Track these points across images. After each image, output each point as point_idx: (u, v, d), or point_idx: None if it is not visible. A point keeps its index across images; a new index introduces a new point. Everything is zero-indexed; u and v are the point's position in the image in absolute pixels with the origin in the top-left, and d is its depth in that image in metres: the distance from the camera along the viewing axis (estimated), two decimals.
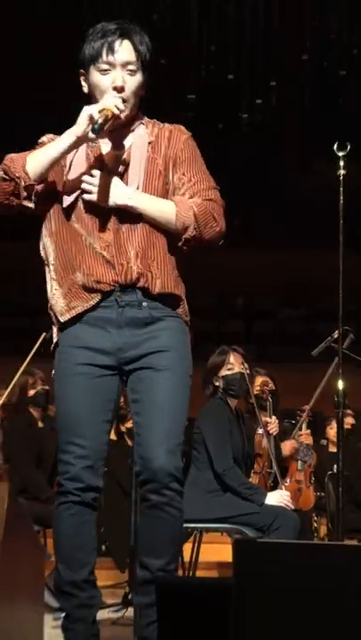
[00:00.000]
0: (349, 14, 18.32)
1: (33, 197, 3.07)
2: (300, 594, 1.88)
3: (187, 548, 5.52)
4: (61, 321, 3.11)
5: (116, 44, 3.06)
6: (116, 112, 3.00)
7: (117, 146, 3.16)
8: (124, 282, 3.07)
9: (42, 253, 3.23)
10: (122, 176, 3.13)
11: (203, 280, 11.26)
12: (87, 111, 3.01)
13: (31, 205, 3.09)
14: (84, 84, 3.19)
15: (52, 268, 3.16)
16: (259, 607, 1.86)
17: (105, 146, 3.17)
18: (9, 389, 6.35)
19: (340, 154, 4.61)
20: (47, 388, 6.48)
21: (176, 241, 3.13)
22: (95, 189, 3.07)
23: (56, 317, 3.15)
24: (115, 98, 3.04)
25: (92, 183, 3.07)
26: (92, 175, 3.09)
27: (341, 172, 4.61)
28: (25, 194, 3.05)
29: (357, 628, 1.87)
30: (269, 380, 6.32)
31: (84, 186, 3.08)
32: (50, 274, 3.18)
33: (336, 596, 1.89)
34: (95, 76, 3.11)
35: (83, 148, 3.14)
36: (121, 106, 3.03)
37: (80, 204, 3.12)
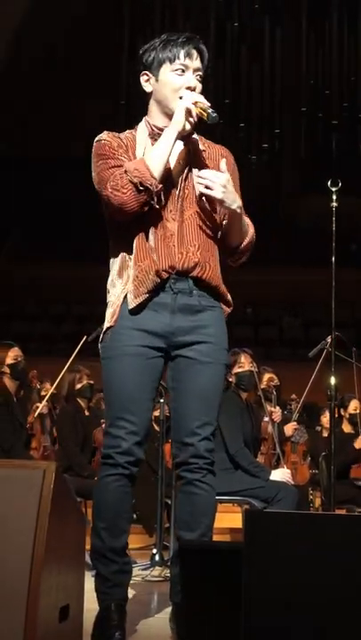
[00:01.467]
0: (339, 72, 18.29)
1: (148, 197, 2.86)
2: (301, 557, 1.85)
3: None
4: (131, 307, 2.85)
5: (193, 50, 2.93)
6: (207, 104, 2.85)
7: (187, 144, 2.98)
8: (182, 269, 2.86)
9: (110, 244, 3.00)
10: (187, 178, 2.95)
11: None
12: (183, 105, 2.84)
13: (157, 205, 2.87)
14: (146, 84, 2.98)
15: (123, 255, 2.91)
16: (265, 568, 1.83)
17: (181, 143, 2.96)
18: (56, 383, 6.37)
19: (333, 189, 4.57)
20: (92, 382, 6.51)
21: (224, 246, 2.99)
22: (216, 186, 2.83)
23: (117, 305, 2.89)
24: (197, 95, 2.88)
25: (214, 181, 2.83)
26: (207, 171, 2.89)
27: (334, 204, 4.56)
28: (156, 198, 2.85)
29: (348, 584, 1.84)
30: (274, 376, 6.31)
31: (205, 181, 2.84)
32: (119, 261, 2.93)
33: (332, 560, 1.86)
34: (169, 75, 2.92)
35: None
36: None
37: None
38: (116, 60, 17.78)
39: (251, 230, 3.01)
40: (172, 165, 2.93)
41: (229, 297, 2.99)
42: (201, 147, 3.00)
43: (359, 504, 6.79)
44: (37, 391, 6.89)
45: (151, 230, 2.88)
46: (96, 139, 2.99)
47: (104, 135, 2.98)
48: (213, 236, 2.96)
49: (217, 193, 2.83)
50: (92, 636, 2.79)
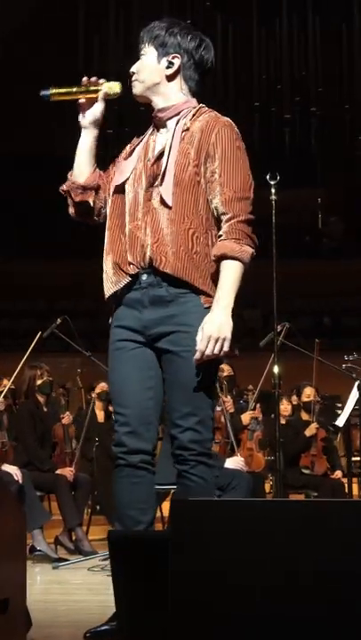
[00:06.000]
0: (290, 68, 18.36)
1: (83, 191, 2.93)
2: (226, 543, 1.86)
3: (165, 506, 5.51)
4: (106, 299, 2.88)
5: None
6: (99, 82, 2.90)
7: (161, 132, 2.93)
8: (138, 263, 2.81)
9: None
10: (156, 166, 2.85)
11: None
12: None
13: (90, 200, 2.92)
14: (175, 62, 2.93)
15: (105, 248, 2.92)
16: (192, 555, 1.84)
17: (157, 134, 2.94)
18: (12, 379, 6.35)
19: (272, 182, 4.56)
20: (51, 379, 6.49)
21: (207, 233, 2.81)
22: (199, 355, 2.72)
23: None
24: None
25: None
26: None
27: (273, 197, 4.56)
28: (77, 192, 2.92)
29: (273, 569, 1.85)
30: (225, 367, 6.31)
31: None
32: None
33: (257, 545, 1.88)
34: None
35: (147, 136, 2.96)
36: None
37: (128, 191, 2.88)
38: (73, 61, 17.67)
39: (244, 253, 2.79)
40: (133, 159, 2.91)
41: (205, 287, 2.79)
42: (186, 124, 2.87)
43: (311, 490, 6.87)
44: None
45: (117, 224, 2.88)
46: None
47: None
48: (184, 224, 2.79)
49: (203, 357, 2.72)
50: None
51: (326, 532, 1.94)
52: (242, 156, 2.85)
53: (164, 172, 2.82)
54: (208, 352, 2.68)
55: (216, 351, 2.69)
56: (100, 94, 2.90)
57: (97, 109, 2.93)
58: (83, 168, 2.95)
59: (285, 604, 1.90)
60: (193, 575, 1.86)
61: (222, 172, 2.79)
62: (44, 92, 2.81)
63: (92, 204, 2.98)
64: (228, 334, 2.69)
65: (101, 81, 2.90)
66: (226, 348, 2.69)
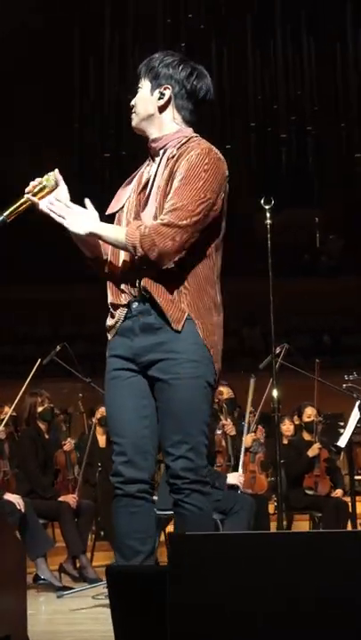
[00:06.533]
0: (286, 88, 18.48)
1: (93, 260, 2.95)
2: (224, 577, 1.85)
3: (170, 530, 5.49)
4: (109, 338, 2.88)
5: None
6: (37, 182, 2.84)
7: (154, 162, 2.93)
8: (133, 292, 2.81)
9: None
10: (142, 195, 2.86)
11: None
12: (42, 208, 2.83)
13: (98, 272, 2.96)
14: (167, 93, 2.93)
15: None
16: (190, 588, 1.83)
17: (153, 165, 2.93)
18: (13, 406, 6.35)
19: (267, 207, 4.57)
20: (52, 405, 6.50)
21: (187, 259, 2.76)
22: (64, 217, 2.77)
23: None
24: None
25: (60, 214, 2.77)
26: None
27: (268, 221, 4.56)
28: (93, 263, 2.95)
29: (270, 600, 1.84)
30: (224, 390, 6.30)
31: (53, 215, 2.78)
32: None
33: (254, 578, 1.87)
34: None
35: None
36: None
37: (122, 220, 2.90)
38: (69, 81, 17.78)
39: (136, 239, 2.72)
40: (129, 188, 2.95)
41: (193, 313, 2.76)
42: (173, 152, 2.86)
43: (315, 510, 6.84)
44: None
45: (115, 253, 2.89)
46: None
47: None
48: None
49: (59, 220, 2.78)
50: None
51: (326, 562, 1.94)
52: (206, 177, 2.78)
53: (147, 200, 2.86)
54: (47, 208, 2.76)
55: (53, 213, 2.76)
56: (47, 188, 2.82)
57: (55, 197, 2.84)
58: (85, 250, 2.93)
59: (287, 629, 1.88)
60: (192, 608, 1.85)
61: (178, 187, 2.76)
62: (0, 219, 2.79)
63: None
64: (75, 225, 2.75)
65: (39, 179, 2.83)
66: (59, 220, 2.75)
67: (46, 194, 2.81)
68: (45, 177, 2.83)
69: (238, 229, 16.74)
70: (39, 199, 2.80)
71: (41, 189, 2.81)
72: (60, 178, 2.84)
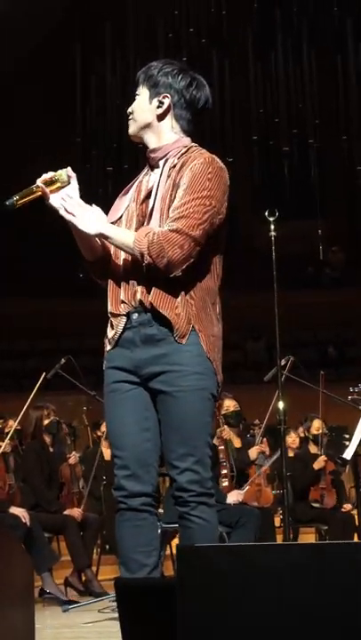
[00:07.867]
0: (287, 100, 18.52)
1: (92, 265, 2.92)
2: (233, 589, 1.84)
3: (175, 544, 5.47)
4: (107, 350, 2.84)
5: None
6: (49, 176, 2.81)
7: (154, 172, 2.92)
8: (133, 302, 2.78)
9: None
10: (145, 205, 2.85)
11: None
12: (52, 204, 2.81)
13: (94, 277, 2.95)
14: (165, 101, 2.93)
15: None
16: (199, 602, 1.82)
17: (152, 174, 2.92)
18: (18, 419, 6.35)
19: (271, 219, 4.55)
20: (58, 418, 6.50)
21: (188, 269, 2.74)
22: (74, 215, 2.76)
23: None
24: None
25: (71, 212, 2.77)
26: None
27: (273, 233, 4.55)
28: (91, 268, 2.93)
29: (281, 612, 1.83)
30: (232, 402, 6.30)
31: (62, 212, 2.77)
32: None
33: (264, 590, 1.86)
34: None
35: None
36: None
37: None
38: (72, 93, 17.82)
39: (144, 245, 2.71)
40: (128, 197, 2.93)
41: (195, 324, 2.74)
42: (174, 162, 2.85)
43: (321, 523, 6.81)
44: (0, 429, 6.85)
45: (114, 263, 2.87)
46: None
47: None
48: None
49: (69, 217, 2.78)
50: None
51: (334, 573, 1.93)
52: (210, 185, 2.77)
53: (152, 211, 2.84)
54: (59, 204, 2.75)
55: (63, 210, 2.76)
56: (59, 183, 2.81)
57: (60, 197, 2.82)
58: (85, 252, 2.91)
59: None
60: (201, 619, 1.83)
61: (183, 196, 2.75)
62: (9, 202, 2.77)
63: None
64: (85, 224, 2.75)
65: (51, 173, 2.82)
66: (68, 218, 2.75)
67: (56, 189, 2.78)
68: (58, 172, 2.80)
69: (241, 242, 16.85)
70: (50, 193, 2.78)
71: (52, 183, 2.79)
72: (72, 175, 2.82)
